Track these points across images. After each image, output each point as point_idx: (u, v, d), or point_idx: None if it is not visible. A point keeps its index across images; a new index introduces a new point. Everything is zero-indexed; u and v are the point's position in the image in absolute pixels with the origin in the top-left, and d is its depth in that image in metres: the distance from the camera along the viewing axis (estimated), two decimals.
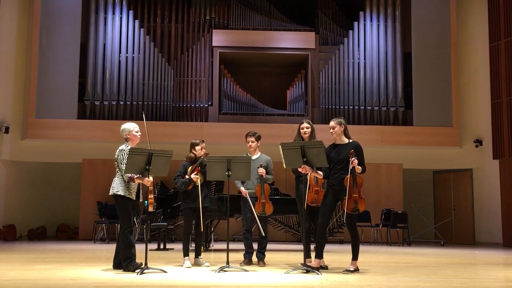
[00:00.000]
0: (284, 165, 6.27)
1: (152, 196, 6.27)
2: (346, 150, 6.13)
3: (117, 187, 6.09)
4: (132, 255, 6.07)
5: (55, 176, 13.76)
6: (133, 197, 6.12)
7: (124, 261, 6.05)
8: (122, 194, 6.05)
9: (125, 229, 6.08)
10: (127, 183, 6.08)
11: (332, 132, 6.29)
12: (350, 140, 6.29)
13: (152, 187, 6.28)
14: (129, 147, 6.19)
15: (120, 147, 6.18)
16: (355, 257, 6.24)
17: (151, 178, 6.06)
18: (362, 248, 6.69)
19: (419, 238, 13.51)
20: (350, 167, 6.03)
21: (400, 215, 12.41)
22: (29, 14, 13.16)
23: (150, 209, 6.26)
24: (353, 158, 5.99)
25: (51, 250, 9.73)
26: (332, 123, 6.30)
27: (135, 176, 6.04)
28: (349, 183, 6.04)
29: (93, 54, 13.06)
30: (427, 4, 13.57)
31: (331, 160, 6.17)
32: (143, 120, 6.53)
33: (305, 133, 6.56)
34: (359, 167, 6.04)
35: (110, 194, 6.13)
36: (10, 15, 12.79)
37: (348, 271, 6.13)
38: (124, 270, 6.01)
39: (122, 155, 6.10)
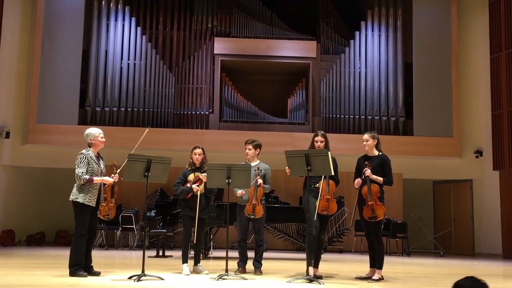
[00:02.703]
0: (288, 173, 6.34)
1: (106, 204, 6.23)
2: (374, 162, 6.37)
3: (76, 193, 6.09)
4: (80, 262, 6.05)
5: (55, 181, 13.74)
6: (93, 204, 6.11)
7: (72, 267, 6.03)
8: (81, 202, 6.04)
9: (79, 236, 6.06)
10: (86, 187, 6.06)
11: (365, 144, 6.54)
12: (380, 153, 6.51)
13: (107, 195, 6.26)
14: (89, 152, 6.21)
15: (81, 151, 6.20)
16: (379, 266, 6.30)
17: (111, 179, 6.16)
18: (361, 257, 6.70)
19: (418, 249, 13.48)
20: (363, 176, 6.31)
21: (399, 225, 12.39)
22: (32, 20, 13.20)
23: (100, 216, 6.25)
24: (365, 168, 6.28)
25: (50, 255, 9.71)
26: (366, 135, 6.57)
27: (95, 178, 6.06)
28: (361, 192, 6.36)
29: (95, 60, 13.09)
30: (428, 15, 13.62)
31: (360, 170, 6.45)
32: (146, 129, 6.56)
33: (319, 146, 6.57)
34: (380, 178, 6.32)
35: (70, 199, 6.13)
36: (13, 20, 12.83)
37: (373, 280, 6.18)
38: (70, 276, 5.99)
39: (80, 159, 6.11)
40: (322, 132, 6.72)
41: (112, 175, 6.26)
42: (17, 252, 10.54)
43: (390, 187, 6.61)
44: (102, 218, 6.36)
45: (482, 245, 13.26)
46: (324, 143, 6.57)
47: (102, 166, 6.29)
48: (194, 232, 6.77)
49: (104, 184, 6.26)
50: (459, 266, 9.52)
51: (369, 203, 6.27)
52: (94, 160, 6.16)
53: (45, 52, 12.75)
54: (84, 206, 6.05)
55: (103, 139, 6.32)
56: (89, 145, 6.27)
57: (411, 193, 13.85)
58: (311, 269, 6.34)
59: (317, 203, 6.30)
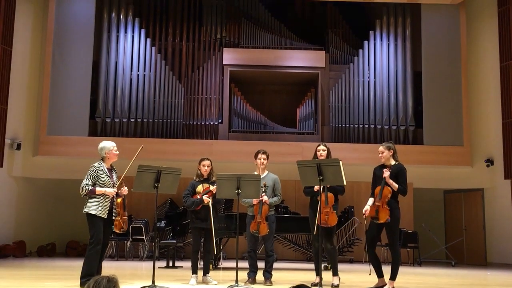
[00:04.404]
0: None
1: (120, 218, 6.27)
2: (390, 171, 6.39)
3: (89, 205, 6.14)
4: (92, 273, 6.05)
5: (65, 192, 13.78)
6: (104, 215, 6.14)
7: (83, 277, 6.05)
8: (93, 213, 6.08)
9: (93, 246, 6.09)
10: (97, 199, 6.10)
11: (381, 156, 6.57)
12: (397, 163, 6.53)
13: (120, 209, 6.28)
14: (102, 165, 6.27)
15: (93, 164, 6.27)
16: (393, 277, 6.28)
17: (112, 190, 6.15)
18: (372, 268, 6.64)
19: (429, 258, 13.37)
20: (385, 176, 6.31)
21: (410, 235, 12.30)
22: (43, 32, 13.33)
23: (116, 230, 6.29)
24: (385, 169, 6.34)
25: (61, 266, 9.73)
26: (381, 147, 6.60)
27: (97, 189, 6.08)
28: (374, 192, 6.38)
29: (105, 71, 13.18)
30: (437, 23, 13.59)
31: (377, 179, 6.49)
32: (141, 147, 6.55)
33: (321, 155, 6.78)
34: (395, 185, 6.32)
35: (83, 212, 6.17)
36: (24, 32, 12.96)
37: None
38: (81, 286, 6.00)
39: (90, 171, 6.18)
40: (324, 143, 6.98)
41: (122, 188, 6.31)
42: (28, 263, 10.58)
43: (400, 196, 6.55)
44: (118, 232, 6.43)
45: (494, 254, 13.14)
46: (326, 151, 6.76)
47: (114, 178, 6.33)
48: (209, 242, 6.80)
49: (117, 196, 6.29)
50: (471, 276, 9.43)
51: (376, 203, 6.28)
52: (105, 173, 6.22)
53: (56, 63, 12.86)
54: (96, 217, 6.09)
55: (117, 152, 6.40)
56: (103, 159, 6.33)
57: (422, 202, 13.76)
58: (335, 279, 6.54)
59: (318, 216, 6.38)
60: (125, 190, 6.34)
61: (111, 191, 6.19)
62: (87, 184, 6.12)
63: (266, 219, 6.76)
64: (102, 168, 6.24)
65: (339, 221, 6.80)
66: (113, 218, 6.29)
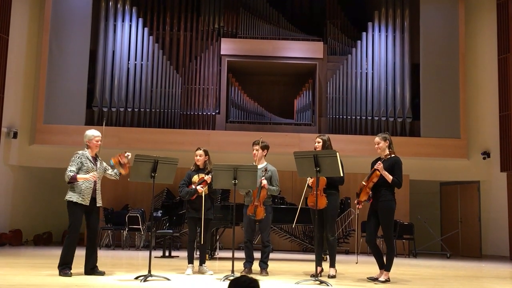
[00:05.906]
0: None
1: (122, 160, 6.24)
2: (387, 164, 6.39)
3: (70, 193, 6.15)
4: (68, 262, 6.10)
5: (62, 181, 13.62)
6: (86, 203, 6.13)
7: (60, 266, 6.09)
8: (74, 201, 6.09)
9: (70, 235, 6.13)
10: (79, 188, 6.10)
11: (377, 147, 6.55)
12: (392, 155, 6.50)
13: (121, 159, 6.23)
14: (86, 152, 6.27)
15: (77, 151, 6.27)
16: (388, 268, 6.30)
17: (93, 174, 6.14)
18: (367, 258, 6.70)
19: (425, 250, 13.43)
20: (377, 166, 6.34)
21: (406, 227, 12.35)
22: (39, 21, 13.26)
23: (113, 159, 6.26)
24: (378, 162, 6.38)
25: (57, 255, 9.64)
26: (377, 138, 6.60)
27: (78, 176, 6.08)
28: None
29: (102, 61, 13.13)
30: (436, 16, 13.56)
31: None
32: (103, 125, 6.53)
33: (316, 147, 6.80)
34: (390, 176, 6.33)
35: (65, 199, 6.17)
36: (21, 21, 12.90)
37: (379, 281, 6.19)
38: (59, 275, 6.02)
39: (74, 157, 6.19)
40: (322, 136, 6.93)
41: (126, 153, 6.27)
42: (24, 252, 10.59)
43: (397, 189, 6.56)
44: (117, 162, 6.31)
45: (489, 247, 13.20)
46: (321, 143, 6.75)
47: (98, 166, 6.30)
48: (201, 233, 6.80)
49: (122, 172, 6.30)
50: (466, 268, 9.48)
51: (363, 182, 6.39)
52: (90, 160, 6.21)
53: (53, 52, 12.80)
54: (77, 205, 6.09)
55: (98, 143, 6.34)
56: (87, 146, 6.32)
57: (418, 194, 13.80)
58: (332, 270, 6.63)
59: (307, 197, 6.57)
60: (127, 156, 6.28)
61: (90, 175, 6.14)
62: (70, 170, 6.12)
63: (263, 204, 6.79)
64: (86, 155, 6.23)
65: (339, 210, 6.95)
66: (97, 205, 6.26)
